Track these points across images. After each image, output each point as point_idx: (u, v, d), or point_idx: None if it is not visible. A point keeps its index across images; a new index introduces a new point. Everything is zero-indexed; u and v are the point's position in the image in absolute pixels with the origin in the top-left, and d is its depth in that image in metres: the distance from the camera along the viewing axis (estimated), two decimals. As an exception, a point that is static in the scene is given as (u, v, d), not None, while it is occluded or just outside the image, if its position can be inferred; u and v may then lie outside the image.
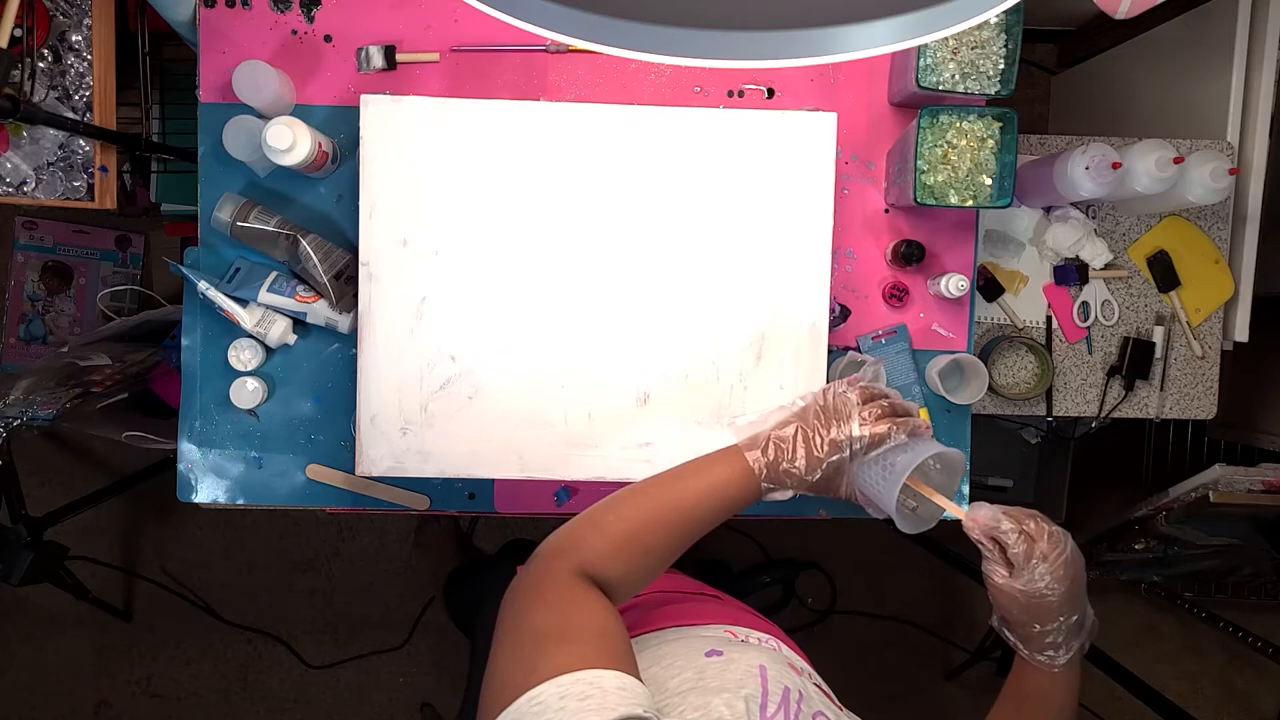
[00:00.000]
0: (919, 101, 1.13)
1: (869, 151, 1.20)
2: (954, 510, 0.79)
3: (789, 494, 0.81)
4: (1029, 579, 0.73)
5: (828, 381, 1.05)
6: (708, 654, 0.68)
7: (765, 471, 0.78)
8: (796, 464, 0.78)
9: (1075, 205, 1.32)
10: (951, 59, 1.10)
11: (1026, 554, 0.73)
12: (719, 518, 0.79)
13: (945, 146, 1.11)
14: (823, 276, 1.10)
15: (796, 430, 0.79)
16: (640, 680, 0.60)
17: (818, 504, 1.21)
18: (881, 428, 0.78)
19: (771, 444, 0.79)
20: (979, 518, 0.76)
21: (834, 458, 0.78)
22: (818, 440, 0.79)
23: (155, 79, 1.57)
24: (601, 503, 0.77)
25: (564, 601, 0.67)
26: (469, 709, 0.97)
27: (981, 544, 0.77)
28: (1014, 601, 0.75)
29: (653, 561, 0.77)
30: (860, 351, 1.20)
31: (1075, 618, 0.75)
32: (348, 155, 1.14)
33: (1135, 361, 1.35)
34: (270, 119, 1.04)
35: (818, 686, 0.71)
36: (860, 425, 0.79)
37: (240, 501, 1.17)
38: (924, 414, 1.21)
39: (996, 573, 0.76)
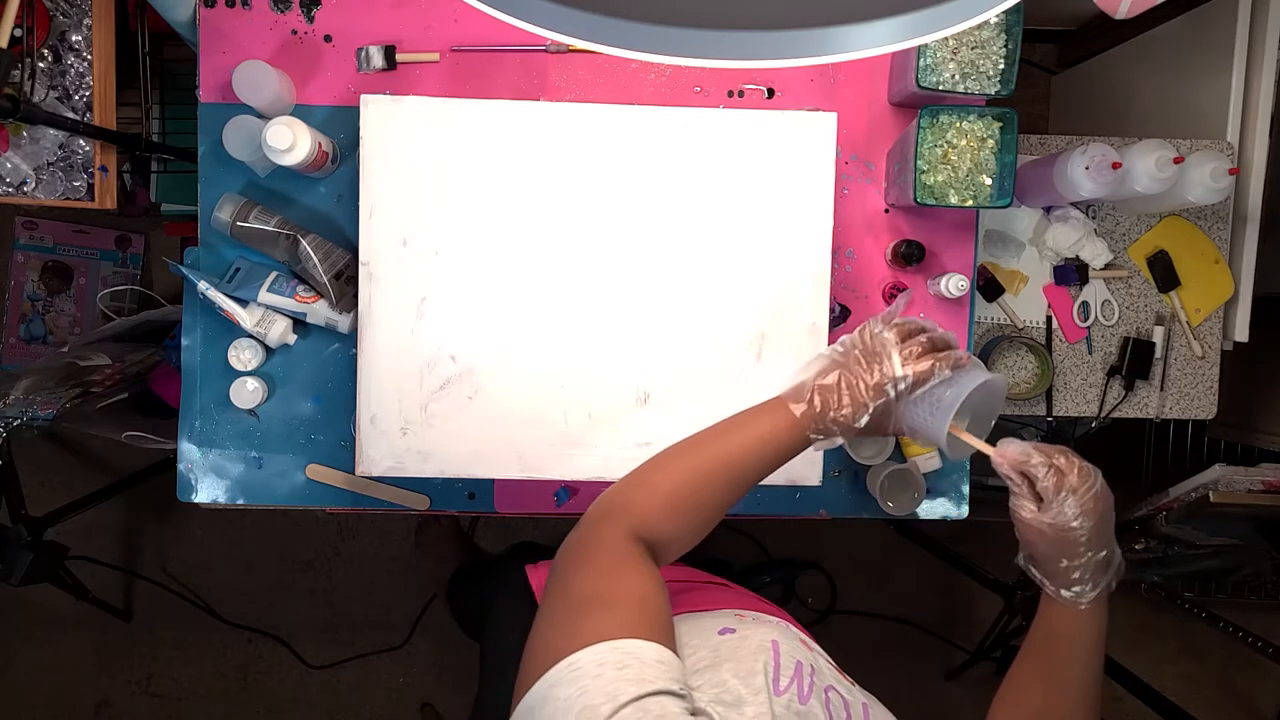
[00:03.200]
0: (919, 101, 1.13)
1: (869, 151, 1.20)
2: (983, 448, 0.79)
3: (837, 442, 0.80)
4: (1058, 512, 0.73)
5: None
6: (720, 632, 0.68)
7: (813, 423, 0.78)
8: (843, 412, 0.77)
9: (1075, 205, 1.32)
10: (951, 59, 1.10)
11: (1056, 486, 0.73)
12: (766, 471, 0.78)
13: (945, 146, 1.11)
14: (823, 276, 1.10)
15: (840, 378, 0.78)
16: (676, 654, 0.59)
17: (818, 504, 1.22)
18: (924, 365, 0.77)
19: (816, 394, 0.78)
20: (1008, 453, 0.76)
21: (879, 401, 0.77)
22: (861, 386, 0.77)
23: (155, 79, 1.57)
24: (647, 462, 0.77)
25: (610, 567, 0.67)
26: (479, 711, 0.97)
27: (1010, 479, 0.76)
28: (1042, 536, 0.74)
29: (703, 518, 0.76)
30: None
31: (1103, 553, 0.74)
32: (348, 155, 1.14)
33: (1135, 361, 1.35)
34: (270, 119, 1.04)
35: (829, 662, 0.71)
36: (903, 364, 0.77)
37: (240, 501, 1.17)
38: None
39: (1024, 508, 0.75)
